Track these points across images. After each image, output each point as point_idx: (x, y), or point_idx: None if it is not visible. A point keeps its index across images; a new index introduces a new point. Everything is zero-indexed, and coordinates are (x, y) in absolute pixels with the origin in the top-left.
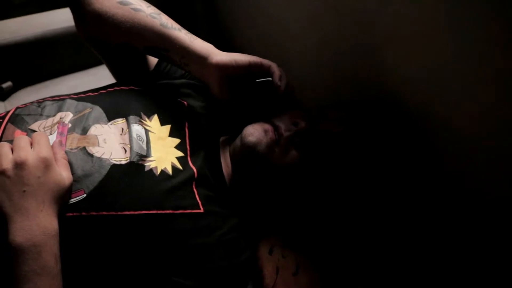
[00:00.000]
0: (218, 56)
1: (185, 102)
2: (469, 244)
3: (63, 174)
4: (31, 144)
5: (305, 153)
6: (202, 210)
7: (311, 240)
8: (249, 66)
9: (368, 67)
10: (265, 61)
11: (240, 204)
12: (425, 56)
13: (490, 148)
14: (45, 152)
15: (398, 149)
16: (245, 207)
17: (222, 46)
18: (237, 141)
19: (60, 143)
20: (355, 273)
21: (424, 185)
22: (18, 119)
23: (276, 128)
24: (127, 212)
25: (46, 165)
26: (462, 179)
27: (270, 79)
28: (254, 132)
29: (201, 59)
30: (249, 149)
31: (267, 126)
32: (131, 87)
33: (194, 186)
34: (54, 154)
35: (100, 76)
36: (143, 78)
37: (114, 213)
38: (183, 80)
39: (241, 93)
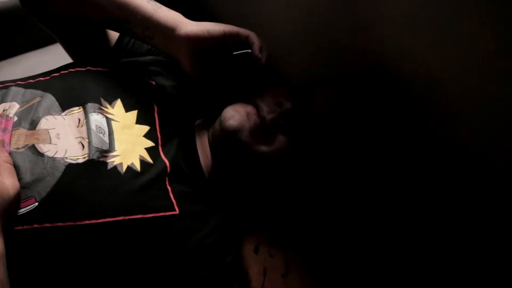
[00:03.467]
0: (187, 26)
1: (153, 82)
2: (462, 242)
3: (6, 182)
4: None
5: (292, 137)
6: (177, 211)
7: (300, 236)
8: (224, 37)
9: (360, 34)
10: (243, 30)
11: (221, 197)
12: (424, 21)
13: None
14: None
15: (396, 132)
16: (227, 201)
17: (192, 14)
18: (216, 125)
19: (3, 142)
20: (350, 272)
21: (424, 176)
22: None
23: (258, 109)
24: (88, 221)
25: None
26: (466, 166)
27: (249, 50)
28: (235, 115)
29: (167, 31)
30: (230, 134)
31: (250, 108)
32: (88, 67)
33: (167, 183)
34: None
35: (62, 54)
36: (103, 56)
37: (72, 223)
38: (150, 57)
39: (216, 69)
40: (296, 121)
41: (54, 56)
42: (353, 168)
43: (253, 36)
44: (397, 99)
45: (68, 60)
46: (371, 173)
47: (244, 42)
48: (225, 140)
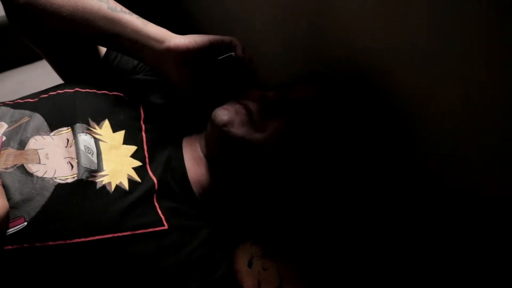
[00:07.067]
0: (176, 39)
1: (140, 101)
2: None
3: None
4: None
5: (283, 121)
6: (166, 226)
7: (294, 249)
8: (210, 44)
9: (329, 42)
10: (225, 37)
11: (211, 211)
12: (396, 20)
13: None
14: None
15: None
16: (217, 215)
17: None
18: (208, 127)
19: None
20: (345, 284)
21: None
22: None
23: (245, 105)
24: (78, 240)
25: None
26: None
27: (232, 53)
28: (225, 111)
29: (157, 43)
30: (222, 129)
31: (237, 106)
32: (77, 89)
33: (155, 200)
34: None
35: (49, 70)
36: (91, 73)
37: (62, 242)
38: (137, 76)
39: (202, 78)
40: (282, 107)
41: (42, 73)
42: (345, 167)
43: (235, 40)
44: (372, 96)
45: (55, 76)
46: (362, 172)
47: (228, 46)
48: (219, 139)
